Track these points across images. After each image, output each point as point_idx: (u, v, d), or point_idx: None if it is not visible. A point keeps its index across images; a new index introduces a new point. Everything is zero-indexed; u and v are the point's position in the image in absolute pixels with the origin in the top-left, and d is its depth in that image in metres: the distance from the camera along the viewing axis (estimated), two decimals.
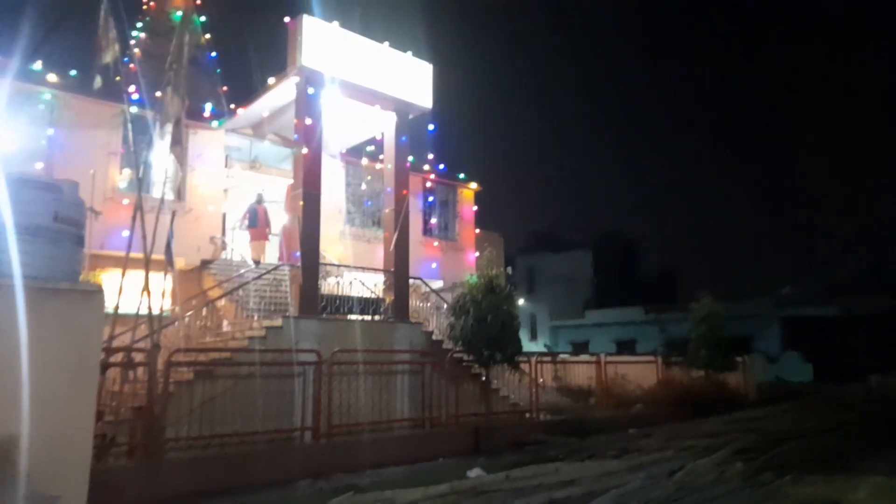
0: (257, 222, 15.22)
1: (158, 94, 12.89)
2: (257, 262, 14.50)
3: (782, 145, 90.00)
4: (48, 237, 5.40)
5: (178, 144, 8.50)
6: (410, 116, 14.39)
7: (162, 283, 8.99)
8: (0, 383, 4.65)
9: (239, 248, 16.22)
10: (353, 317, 12.44)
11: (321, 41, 12.42)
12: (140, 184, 8.09)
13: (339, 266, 13.71)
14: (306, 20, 12.10)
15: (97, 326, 5.73)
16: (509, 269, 12.50)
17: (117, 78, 8.04)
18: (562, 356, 18.27)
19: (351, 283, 12.89)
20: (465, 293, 11.58)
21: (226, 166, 15.30)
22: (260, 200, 15.59)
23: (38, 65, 12.46)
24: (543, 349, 28.80)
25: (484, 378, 12.37)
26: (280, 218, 17.64)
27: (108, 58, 7.64)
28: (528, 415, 13.55)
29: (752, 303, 26.64)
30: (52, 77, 12.43)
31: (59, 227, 5.48)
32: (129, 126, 9.13)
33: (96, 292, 5.51)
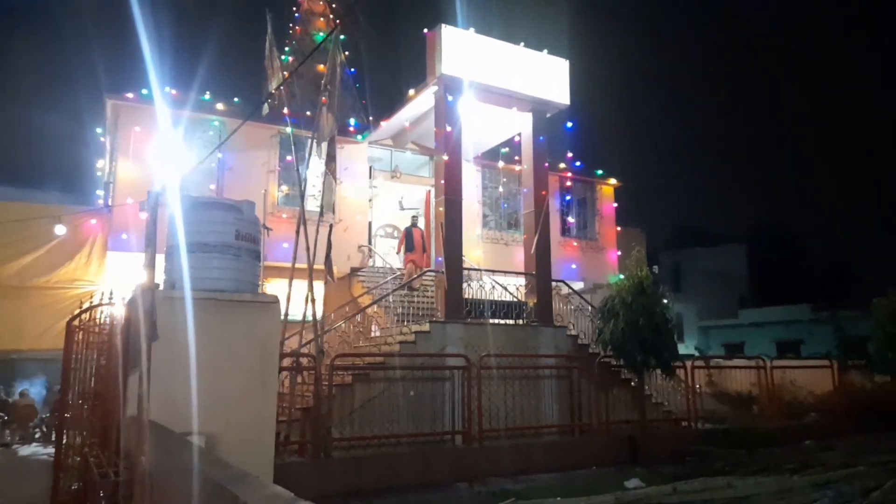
0: (413, 246, 14.63)
1: (308, 113, 13.81)
2: (413, 289, 13.73)
3: None
4: (232, 253, 5.90)
5: (333, 160, 8.99)
6: (548, 115, 14.17)
7: (320, 292, 9.57)
8: (201, 388, 5.13)
9: (383, 255, 16.87)
10: (496, 321, 12.45)
11: (459, 49, 12.60)
12: (302, 199, 8.63)
13: (480, 270, 13.80)
14: (444, 30, 12.34)
15: (276, 333, 6.20)
16: (655, 268, 11.83)
17: (282, 109, 8.66)
18: (715, 360, 17.03)
19: (493, 286, 12.91)
20: (613, 295, 11.15)
21: (370, 177, 15.99)
22: (415, 223, 15.21)
23: (207, 95, 13.83)
24: (694, 352, 27.04)
25: (636, 384, 11.83)
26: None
27: (273, 85, 8.26)
28: (685, 423, 12.78)
29: None
30: (220, 105, 13.75)
31: (241, 244, 5.97)
32: (292, 146, 9.80)
33: (274, 303, 5.95)
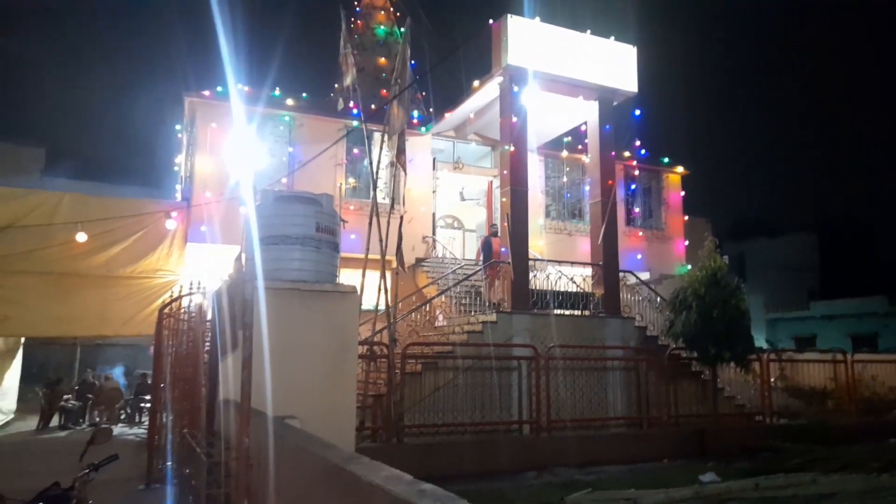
0: (492, 256, 13.34)
1: (373, 107, 14.02)
2: (497, 305, 12.48)
3: None
4: (313, 245, 6.11)
5: (403, 153, 9.13)
6: (614, 103, 13.94)
7: (388, 282, 9.76)
8: (285, 374, 5.36)
9: (445, 245, 16.99)
10: (563, 311, 12.39)
11: (524, 39, 12.53)
12: (374, 191, 8.82)
13: (546, 261, 13.74)
14: (510, 20, 12.29)
15: (354, 321, 6.38)
16: (725, 259, 11.51)
17: (351, 104, 8.82)
18: (788, 353, 16.44)
19: (560, 277, 12.84)
20: (685, 286, 10.91)
21: (433, 169, 16.12)
22: (495, 232, 13.88)
23: (277, 91, 14.24)
24: (764, 345, 26.15)
25: (707, 377, 11.57)
26: (480, 215, 18.20)
27: (347, 80, 8.46)
28: (758, 418, 12.44)
29: None
30: (290, 101, 14.14)
31: (321, 235, 6.17)
32: (365, 141, 10.01)
33: (352, 292, 6.14)
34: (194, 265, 12.89)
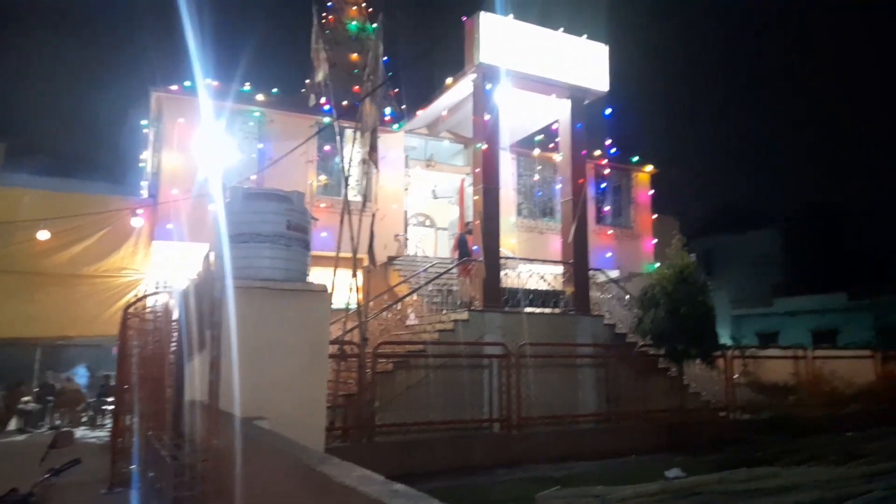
0: (468, 254, 13.11)
1: (345, 103, 13.90)
2: (469, 304, 12.46)
3: None
4: (283, 243, 6.03)
5: (375, 150, 9.08)
6: (586, 102, 14.06)
7: (358, 280, 9.70)
8: (255, 374, 5.29)
9: (417, 243, 16.98)
10: (534, 309, 12.48)
11: (497, 36, 12.55)
12: (345, 189, 8.76)
13: (518, 259, 13.82)
14: (483, 17, 12.30)
15: (325, 321, 6.32)
16: (693, 257, 11.73)
17: (323, 100, 8.75)
18: (752, 349, 16.85)
19: (531, 275, 12.93)
20: (654, 284, 11.09)
21: (405, 166, 16.07)
22: (470, 230, 13.71)
23: (247, 86, 14.03)
24: (729, 341, 26.72)
25: (674, 373, 11.79)
26: (452, 213, 18.21)
27: (319, 76, 8.37)
28: (723, 413, 12.71)
29: None
30: (260, 96, 13.95)
31: (292, 233, 6.10)
32: (337, 137, 9.92)
33: (323, 291, 6.08)
34: (161, 263, 12.64)
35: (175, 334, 6.81)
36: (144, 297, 8.04)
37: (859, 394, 14.20)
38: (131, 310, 8.26)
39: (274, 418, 5.21)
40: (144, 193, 15.78)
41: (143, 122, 16.14)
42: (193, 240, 11.95)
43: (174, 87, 13.27)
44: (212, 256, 6.36)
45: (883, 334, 22.10)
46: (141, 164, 17.27)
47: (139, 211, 12.41)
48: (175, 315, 6.93)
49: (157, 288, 7.73)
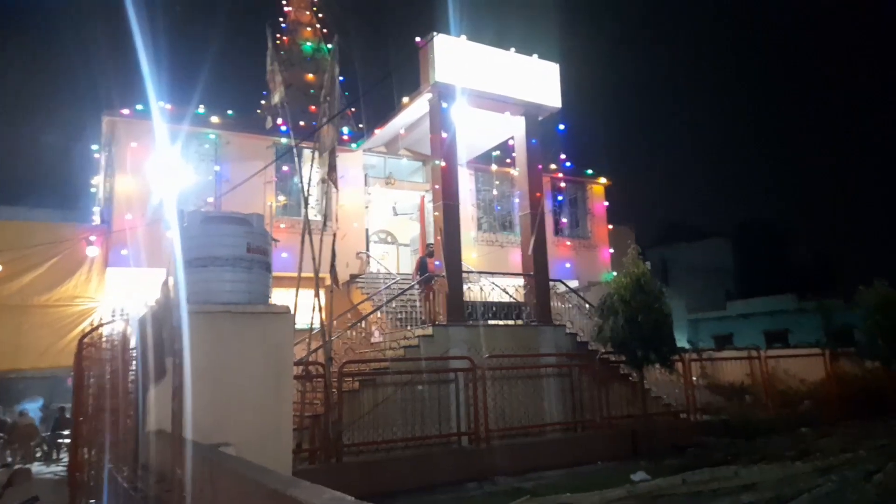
0: (431, 280, 12.94)
1: (302, 123, 13.89)
2: (434, 321, 12.34)
3: None
4: (244, 266, 6.00)
5: (334, 170, 9.11)
6: (540, 118, 14.38)
7: (321, 300, 9.67)
8: (218, 400, 5.24)
9: (379, 260, 16.98)
10: (497, 322, 12.62)
11: (451, 56, 12.77)
12: (305, 209, 8.75)
13: (479, 273, 13.96)
14: (437, 38, 12.51)
15: (289, 342, 6.30)
16: (648, 264, 12.07)
17: (279, 121, 8.74)
18: (709, 352, 17.35)
19: (493, 288, 13.08)
20: (612, 293, 11.35)
21: (365, 184, 16.11)
22: (431, 252, 13.68)
23: (202, 108, 13.89)
24: (686, 345, 27.40)
25: (636, 379, 12.06)
26: (413, 229, 18.30)
27: (276, 98, 8.38)
28: (683, 415, 13.03)
29: None
30: (215, 118, 13.82)
31: (252, 256, 6.08)
32: (296, 158, 9.92)
33: (286, 313, 6.07)
34: (116, 291, 12.33)
35: (133, 363, 6.67)
36: (100, 325, 7.82)
37: (811, 391, 14.74)
38: (87, 339, 8.04)
39: (239, 444, 5.15)
40: (96, 219, 15.39)
41: (94, 147, 15.79)
42: (150, 265, 11.71)
43: (126, 111, 13.05)
44: (170, 282, 6.28)
45: (831, 334, 23.08)
46: (92, 190, 16.85)
47: (92, 238, 12.10)
48: (133, 343, 6.80)
49: (113, 316, 7.55)
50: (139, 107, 13.02)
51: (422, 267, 13.70)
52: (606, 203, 20.10)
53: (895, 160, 76.24)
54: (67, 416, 11.86)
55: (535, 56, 14.09)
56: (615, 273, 15.97)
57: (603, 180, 19.97)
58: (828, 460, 8.01)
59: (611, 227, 20.16)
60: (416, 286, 13.17)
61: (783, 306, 29.63)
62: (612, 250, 19.45)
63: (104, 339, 8.14)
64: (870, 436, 9.78)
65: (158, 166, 12.40)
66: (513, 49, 13.79)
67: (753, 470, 7.87)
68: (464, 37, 13.05)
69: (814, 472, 7.44)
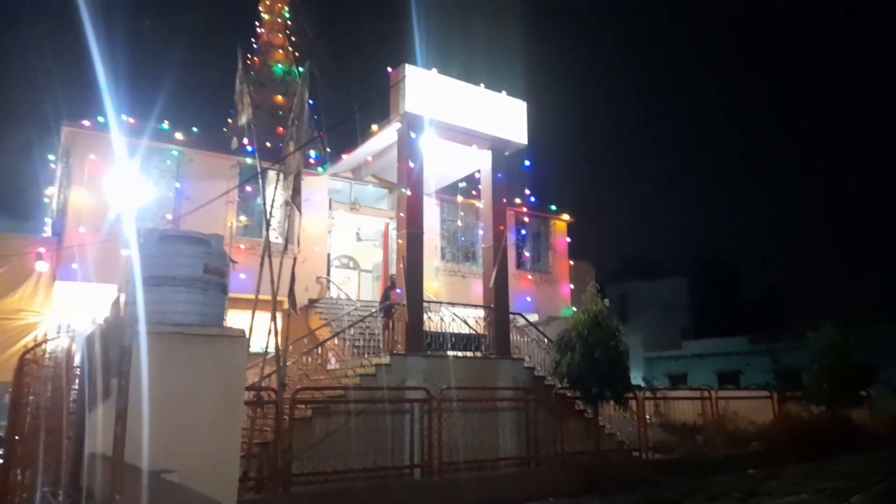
0: (391, 308, 12.97)
1: (268, 144, 13.82)
2: (391, 350, 12.25)
3: None
4: (199, 287, 5.89)
5: (298, 194, 9.06)
6: (506, 153, 14.62)
7: (277, 324, 9.51)
8: (165, 424, 5.08)
9: (339, 286, 16.83)
10: (456, 353, 12.59)
11: (422, 88, 12.95)
12: (266, 231, 8.66)
13: (441, 303, 13.95)
14: (408, 69, 12.68)
15: (242, 367, 6.17)
16: (607, 302, 12.26)
17: (245, 141, 8.68)
18: (662, 391, 17.60)
19: (453, 319, 13.08)
20: (570, 329, 11.47)
21: (329, 209, 16.03)
22: (393, 285, 13.75)
23: (165, 124, 13.69)
24: (641, 383, 27.75)
25: (591, 415, 12.13)
26: (376, 256, 18.24)
27: (243, 120, 8.33)
28: (636, 453, 13.12)
29: (874, 328, 24.50)
30: (179, 135, 13.62)
31: (209, 277, 5.97)
32: (260, 180, 9.83)
33: (241, 336, 5.95)
34: (63, 306, 11.89)
35: (77, 382, 6.42)
36: (44, 341, 7.53)
37: (760, 432, 15.03)
38: (28, 355, 7.72)
39: (184, 470, 4.99)
40: (48, 231, 14.89)
41: (51, 157, 15.37)
42: (101, 281, 11.35)
43: (86, 122, 12.77)
44: (121, 300, 6.11)
45: (780, 376, 23.72)
46: (45, 201, 16.34)
47: (41, 249, 11.69)
48: (78, 361, 6.56)
49: (58, 332, 7.25)
50: (100, 118, 12.77)
51: (386, 298, 13.67)
52: (568, 239, 20.44)
53: (849, 201, 79.97)
54: (2, 434, 11.26)
55: (504, 93, 14.40)
56: (574, 308, 16.18)
57: (566, 217, 20.33)
58: (773, 502, 8.16)
59: (572, 262, 20.47)
60: (379, 314, 13.08)
61: (736, 348, 30.39)
62: (572, 286, 19.72)
63: (48, 355, 7.83)
64: (813, 478, 10.01)
65: (117, 180, 12.12)
66: (482, 84, 14.07)
67: None
68: (434, 70, 13.27)
69: None
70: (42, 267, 11.62)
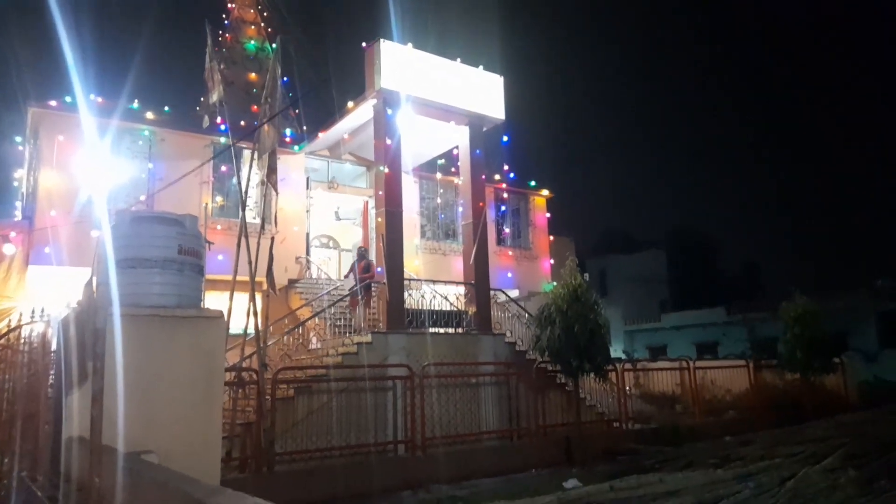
0: (361, 278, 12.90)
1: (242, 123, 13.58)
2: (373, 328, 12.19)
3: (875, 130, 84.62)
4: (175, 268, 5.81)
5: (274, 172, 8.95)
6: (484, 129, 14.55)
7: (259, 304, 9.45)
8: (144, 406, 5.05)
9: (319, 265, 16.76)
10: (437, 330, 12.65)
11: (397, 63, 12.78)
12: (243, 211, 8.56)
13: (421, 280, 13.97)
14: (383, 44, 12.49)
15: (220, 348, 6.14)
16: (586, 276, 12.37)
17: (218, 119, 8.52)
18: (642, 362, 17.90)
19: (434, 296, 13.11)
20: (550, 303, 11.56)
21: (307, 188, 15.88)
22: (364, 255, 13.77)
23: (136, 103, 13.38)
24: (622, 355, 28.16)
25: (571, 388, 12.31)
26: (356, 235, 18.15)
27: (214, 97, 8.16)
28: (616, 424, 13.38)
29: (846, 297, 25.07)
30: (150, 114, 13.32)
31: (184, 258, 5.89)
32: (234, 159, 9.67)
33: (218, 317, 5.90)
34: (37, 290, 11.69)
35: (53, 367, 6.35)
36: (18, 326, 7.40)
37: (736, 401, 15.41)
38: (2, 341, 7.60)
39: (166, 452, 4.98)
40: (18, 215, 14.57)
41: (18, 139, 14.96)
42: (74, 264, 11.17)
43: (53, 103, 12.42)
44: (94, 282, 6.02)
45: (756, 345, 24.25)
46: (15, 184, 15.96)
47: (12, 234, 11.44)
48: (53, 346, 6.48)
49: (32, 317, 7.14)
50: (68, 98, 12.43)
51: (355, 270, 13.45)
52: (548, 214, 20.50)
53: (828, 174, 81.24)
54: None
55: (481, 67, 14.28)
56: (555, 283, 16.31)
57: (545, 192, 20.37)
58: (747, 467, 8.36)
59: (552, 238, 20.57)
60: (358, 292, 13.03)
61: (713, 319, 30.87)
62: (552, 261, 19.84)
63: (22, 340, 7.71)
64: (786, 443, 10.27)
65: (87, 162, 11.85)
66: (458, 59, 13.93)
67: (678, 477, 8.13)
68: (410, 44, 13.09)
69: (733, 479, 7.76)
70: (9, 250, 11.38)
